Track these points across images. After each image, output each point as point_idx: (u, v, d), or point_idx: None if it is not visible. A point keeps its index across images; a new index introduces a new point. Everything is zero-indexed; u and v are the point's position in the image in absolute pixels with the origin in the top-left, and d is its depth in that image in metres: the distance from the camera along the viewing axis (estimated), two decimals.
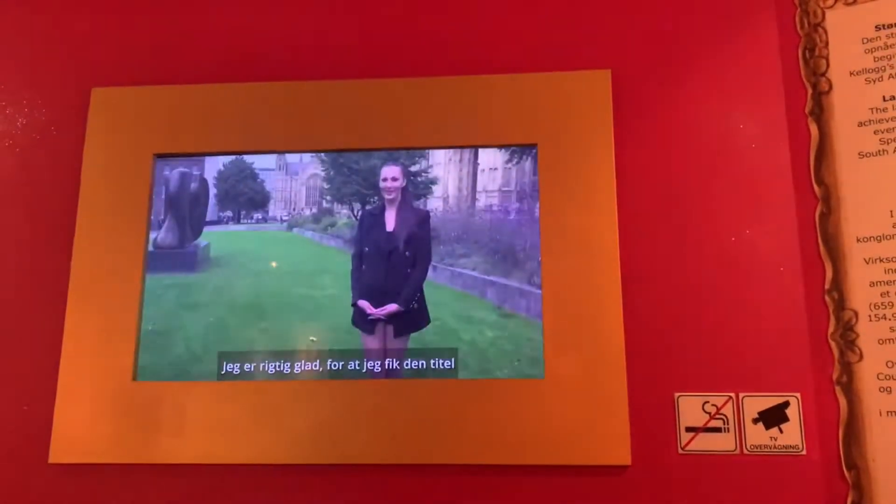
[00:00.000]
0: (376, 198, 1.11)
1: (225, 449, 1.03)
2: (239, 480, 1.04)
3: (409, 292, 1.07)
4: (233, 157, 1.14)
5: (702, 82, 1.10)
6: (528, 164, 1.09)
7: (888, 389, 0.97)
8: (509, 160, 1.10)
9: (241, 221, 1.13)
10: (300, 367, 1.06)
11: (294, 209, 1.12)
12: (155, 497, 1.04)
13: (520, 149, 1.09)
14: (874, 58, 1.05)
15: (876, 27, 1.05)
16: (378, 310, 1.07)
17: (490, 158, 1.10)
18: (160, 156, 1.14)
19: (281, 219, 1.12)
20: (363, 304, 1.07)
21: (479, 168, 1.10)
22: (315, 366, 1.06)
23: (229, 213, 1.13)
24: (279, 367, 1.06)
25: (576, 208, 1.06)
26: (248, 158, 1.14)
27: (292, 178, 1.13)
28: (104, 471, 1.05)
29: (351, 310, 1.07)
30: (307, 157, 1.14)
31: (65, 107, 1.18)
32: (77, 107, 1.16)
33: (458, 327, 1.05)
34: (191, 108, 1.14)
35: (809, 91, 1.07)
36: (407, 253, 1.09)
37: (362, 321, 1.07)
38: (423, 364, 1.04)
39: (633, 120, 1.10)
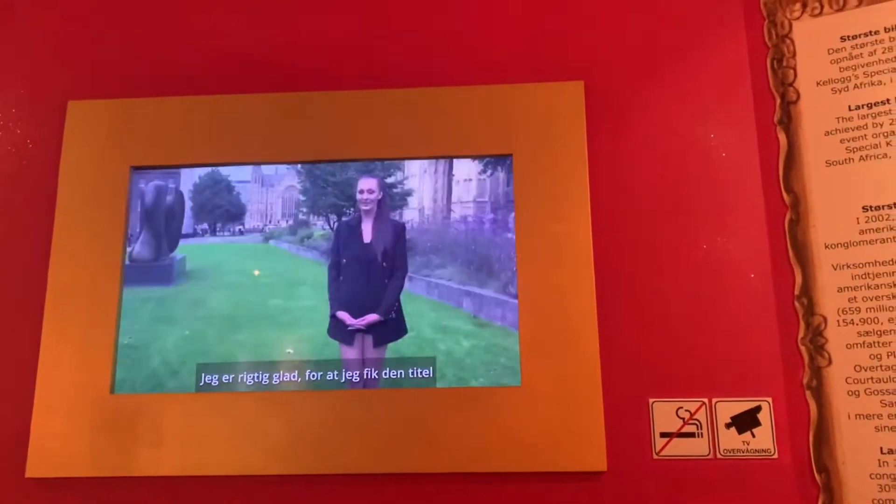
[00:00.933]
0: (353, 210, 1.12)
1: (203, 461, 1.03)
2: (218, 492, 1.04)
3: (388, 302, 1.08)
4: (208, 169, 1.14)
5: (673, 93, 1.12)
6: (502, 174, 1.10)
7: (856, 393, 0.99)
8: (483, 171, 1.11)
9: (218, 234, 1.13)
10: (279, 377, 1.06)
11: (270, 221, 1.13)
12: None
13: (494, 160, 1.11)
14: (840, 68, 1.07)
15: (841, 38, 1.07)
16: (358, 320, 1.07)
17: (465, 170, 1.11)
18: (137, 168, 1.14)
19: (257, 231, 1.13)
20: (343, 315, 1.08)
21: (454, 179, 1.11)
22: (293, 377, 1.06)
23: (205, 226, 1.13)
24: (258, 377, 1.06)
25: (550, 217, 1.08)
26: (223, 171, 1.14)
27: (268, 190, 1.14)
28: (82, 485, 1.05)
29: (328, 321, 1.08)
30: (283, 168, 1.14)
31: (41, 120, 1.17)
32: (53, 120, 1.16)
33: (435, 337, 1.06)
34: (167, 121, 1.14)
35: (778, 101, 1.10)
36: (384, 264, 1.09)
37: (341, 332, 1.07)
38: (401, 374, 1.05)
39: (606, 130, 1.11)
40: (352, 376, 1.05)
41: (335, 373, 1.06)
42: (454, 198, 1.11)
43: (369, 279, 1.09)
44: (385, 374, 1.05)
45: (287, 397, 1.05)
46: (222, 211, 1.13)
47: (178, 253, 1.12)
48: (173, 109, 1.15)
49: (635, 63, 1.14)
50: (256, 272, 1.10)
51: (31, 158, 1.17)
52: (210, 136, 1.14)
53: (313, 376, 1.06)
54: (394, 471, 1.03)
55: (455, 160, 1.11)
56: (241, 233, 1.13)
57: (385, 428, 1.03)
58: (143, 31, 1.20)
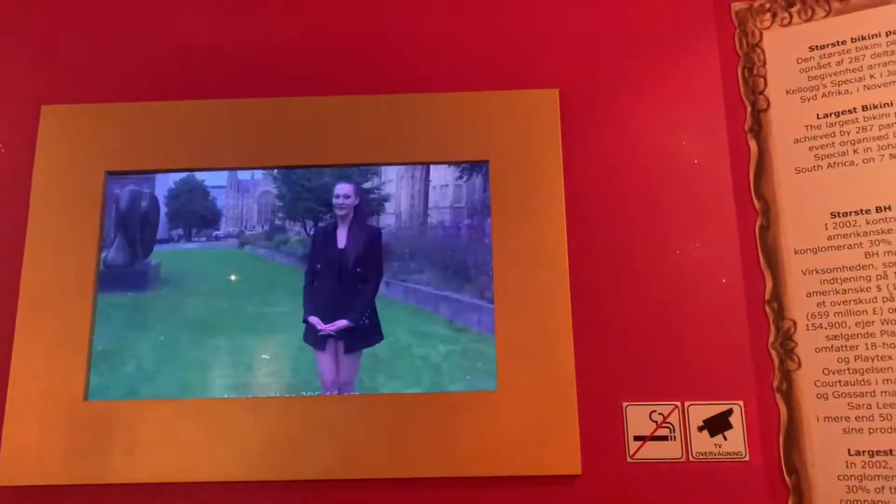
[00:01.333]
0: (329, 215, 1.12)
1: (178, 467, 1.03)
2: (192, 498, 1.03)
3: (359, 308, 1.08)
4: (184, 175, 1.14)
5: (646, 100, 1.14)
6: (478, 180, 1.11)
7: (825, 396, 1.01)
8: (460, 177, 1.12)
9: (193, 239, 1.13)
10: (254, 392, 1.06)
11: (246, 227, 1.13)
12: None
13: (470, 166, 1.12)
14: (808, 77, 1.09)
15: (810, 48, 1.10)
16: (328, 325, 1.08)
17: (441, 175, 1.12)
18: (112, 173, 1.13)
19: (233, 236, 1.13)
20: (314, 320, 1.08)
21: (431, 185, 1.12)
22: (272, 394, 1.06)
23: (180, 231, 1.13)
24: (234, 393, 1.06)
25: (526, 223, 1.08)
26: (199, 176, 1.14)
27: (244, 195, 1.14)
28: (55, 493, 1.03)
29: (303, 326, 1.08)
30: (259, 174, 1.14)
31: (14, 125, 1.16)
32: (26, 125, 1.15)
33: (412, 342, 1.07)
34: (142, 126, 1.14)
35: (748, 109, 1.12)
36: (358, 269, 1.10)
37: (313, 337, 1.07)
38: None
39: (580, 137, 1.13)
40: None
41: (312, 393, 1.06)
42: (431, 203, 1.11)
43: (342, 285, 1.09)
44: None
45: (262, 403, 1.05)
46: (198, 216, 1.13)
47: (152, 258, 1.12)
48: (148, 114, 1.14)
49: (609, 71, 1.15)
50: (233, 277, 1.10)
51: (4, 163, 1.15)
52: (185, 141, 1.13)
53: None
54: (370, 476, 1.03)
55: (432, 166, 1.12)
56: (216, 238, 1.13)
57: (361, 433, 1.03)
58: (116, 36, 1.20)
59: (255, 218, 1.13)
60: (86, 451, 1.03)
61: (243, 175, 1.14)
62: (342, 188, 1.12)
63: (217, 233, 1.13)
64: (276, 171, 1.13)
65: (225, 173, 1.14)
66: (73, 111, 1.15)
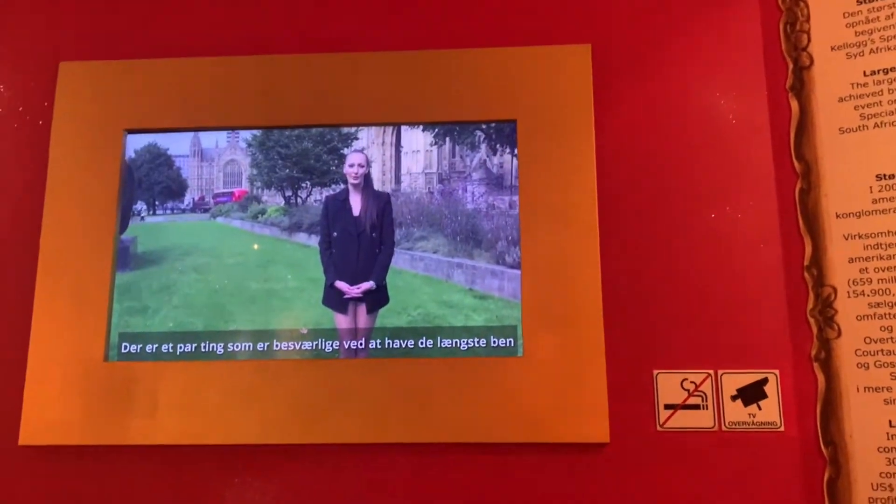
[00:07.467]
0: (308, 182, 1.09)
1: (198, 429, 1.01)
2: (212, 461, 1.03)
3: (382, 269, 1.06)
4: (145, 142, 1.10)
5: (682, 57, 1.09)
6: (446, 147, 1.08)
7: (866, 366, 0.97)
8: (433, 143, 1.08)
9: (157, 212, 1.10)
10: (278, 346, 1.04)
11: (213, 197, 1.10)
12: (128, 479, 1.03)
13: (444, 130, 1.08)
14: (855, 32, 1.03)
15: (857, 1, 1.04)
16: (354, 287, 1.05)
17: (412, 141, 1.09)
18: (131, 131, 1.11)
19: (202, 208, 1.10)
20: (340, 284, 1.06)
21: (403, 151, 1.08)
22: (293, 345, 1.04)
23: (143, 204, 1.10)
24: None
25: (555, 184, 1.05)
26: (162, 144, 1.11)
27: (209, 164, 1.10)
28: (76, 452, 1.03)
29: (321, 292, 1.06)
30: (223, 141, 1.10)
31: (32, 82, 1.14)
32: (44, 82, 1.13)
33: (445, 312, 1.04)
34: (162, 83, 1.11)
35: (790, 66, 1.06)
36: (374, 234, 1.07)
37: (336, 301, 1.05)
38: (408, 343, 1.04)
39: (613, 95, 1.08)
40: (354, 345, 1.04)
41: (333, 343, 1.04)
42: (403, 169, 1.08)
43: (360, 250, 1.07)
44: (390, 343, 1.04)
45: (284, 366, 1.04)
46: (162, 187, 1.10)
47: (127, 235, 1.08)
48: (168, 71, 1.11)
49: (644, 27, 1.10)
50: (256, 245, 1.07)
51: (22, 122, 1.14)
52: (207, 99, 1.10)
53: (307, 346, 1.04)
54: (393, 440, 1.01)
55: (404, 130, 1.09)
56: (182, 210, 1.10)
57: (384, 397, 1.01)
58: None
59: (221, 188, 1.10)
60: (106, 412, 1.02)
61: (207, 143, 1.10)
62: (357, 157, 1.08)
63: (182, 205, 1.10)
64: (247, 138, 1.10)
65: (188, 142, 1.10)
66: (92, 68, 1.12)
